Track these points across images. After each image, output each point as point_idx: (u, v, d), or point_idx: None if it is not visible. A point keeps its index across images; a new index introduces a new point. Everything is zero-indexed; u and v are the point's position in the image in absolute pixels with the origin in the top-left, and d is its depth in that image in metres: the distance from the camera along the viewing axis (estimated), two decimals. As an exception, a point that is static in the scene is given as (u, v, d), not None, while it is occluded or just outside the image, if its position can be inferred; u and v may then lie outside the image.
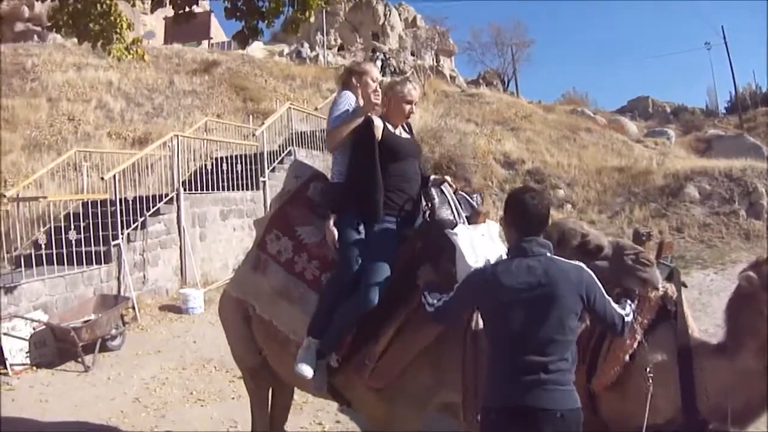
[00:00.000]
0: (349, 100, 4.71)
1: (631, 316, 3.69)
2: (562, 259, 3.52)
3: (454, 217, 4.33)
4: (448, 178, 4.67)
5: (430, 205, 4.39)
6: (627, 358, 5.29)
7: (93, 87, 20.61)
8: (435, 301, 3.67)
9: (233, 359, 5.50)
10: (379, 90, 4.69)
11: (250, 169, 14.57)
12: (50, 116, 18.34)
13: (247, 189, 14.41)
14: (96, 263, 10.44)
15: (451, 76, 38.63)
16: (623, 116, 36.53)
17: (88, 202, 12.32)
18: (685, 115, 43.52)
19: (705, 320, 5.52)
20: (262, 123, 16.57)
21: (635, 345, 5.28)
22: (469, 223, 4.33)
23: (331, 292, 4.30)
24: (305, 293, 4.46)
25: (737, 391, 4.51)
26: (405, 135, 4.67)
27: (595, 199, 18.11)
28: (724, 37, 44.54)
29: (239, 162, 14.40)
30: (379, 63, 24.37)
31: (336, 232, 4.36)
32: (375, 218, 4.32)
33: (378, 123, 4.40)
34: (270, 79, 26.24)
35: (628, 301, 3.81)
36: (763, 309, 4.45)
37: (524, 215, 3.51)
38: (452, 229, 4.13)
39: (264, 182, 14.89)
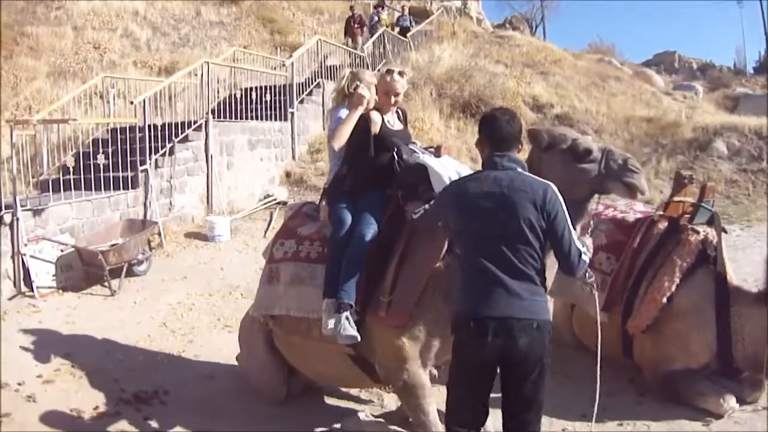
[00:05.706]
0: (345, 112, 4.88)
1: (590, 256, 3.62)
2: (532, 175, 3.63)
3: (420, 155, 4.67)
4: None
5: (398, 155, 4.64)
6: (665, 300, 5.20)
7: (119, 15, 20.23)
8: (420, 210, 4.14)
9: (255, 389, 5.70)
10: (366, 91, 4.84)
11: (279, 101, 14.44)
12: (75, 44, 18.03)
13: (276, 120, 14.29)
14: (123, 188, 10.35)
15: (477, 19, 37.47)
16: (649, 69, 35.69)
17: (116, 128, 12.23)
18: (713, 72, 42.37)
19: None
20: (290, 56, 16.36)
21: (673, 288, 5.20)
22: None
23: (331, 252, 4.59)
24: (313, 270, 4.72)
25: None
26: (398, 125, 4.97)
27: (622, 148, 17.36)
28: (760, -6, 42.85)
29: (268, 92, 14.25)
30: (384, 13, 23.72)
31: (328, 209, 4.79)
32: (362, 190, 4.70)
33: (375, 119, 4.70)
34: (298, 13, 25.83)
35: (587, 240, 3.79)
36: None
37: (496, 131, 3.68)
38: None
39: (292, 113, 14.76)
